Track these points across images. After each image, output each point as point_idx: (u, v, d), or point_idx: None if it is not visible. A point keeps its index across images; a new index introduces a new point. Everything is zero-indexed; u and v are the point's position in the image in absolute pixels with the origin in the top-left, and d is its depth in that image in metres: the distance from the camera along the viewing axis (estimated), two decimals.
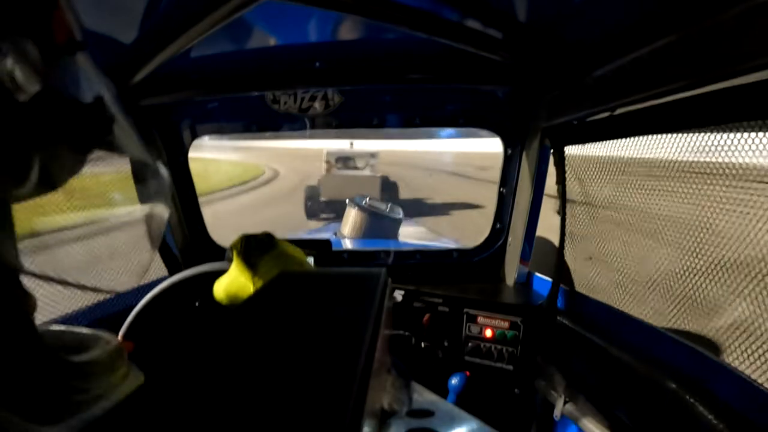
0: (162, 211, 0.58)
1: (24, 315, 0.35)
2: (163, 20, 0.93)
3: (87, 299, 1.25)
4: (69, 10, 0.37)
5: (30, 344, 0.34)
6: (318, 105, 1.49)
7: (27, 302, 0.36)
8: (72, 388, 0.35)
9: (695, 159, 0.81)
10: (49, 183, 0.36)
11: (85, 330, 0.44)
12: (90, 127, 0.38)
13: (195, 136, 1.62)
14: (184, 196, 1.65)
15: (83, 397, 0.35)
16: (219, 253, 1.78)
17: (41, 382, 0.33)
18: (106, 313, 1.27)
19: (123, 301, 1.32)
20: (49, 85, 0.33)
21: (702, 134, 0.78)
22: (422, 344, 1.46)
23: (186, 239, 1.69)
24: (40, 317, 0.37)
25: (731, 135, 0.72)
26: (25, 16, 0.32)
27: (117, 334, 0.96)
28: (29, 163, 0.33)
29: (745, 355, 0.76)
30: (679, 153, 0.85)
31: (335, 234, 3.37)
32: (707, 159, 0.78)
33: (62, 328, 0.44)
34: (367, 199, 3.38)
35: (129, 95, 1.19)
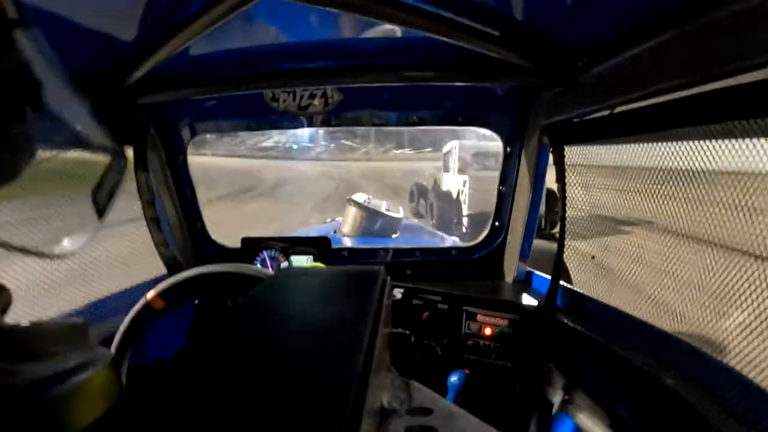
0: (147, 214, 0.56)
1: None
2: (162, 18, 0.93)
3: (85, 299, 1.25)
4: None
5: None
6: (317, 103, 1.49)
7: None
8: (12, 356, 0.33)
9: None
10: None
11: (63, 323, 0.43)
12: (11, 91, 0.37)
13: (194, 134, 1.62)
14: (184, 194, 1.65)
15: (26, 366, 0.34)
16: (219, 252, 1.78)
17: None
18: (106, 314, 1.27)
19: (122, 301, 1.32)
20: None
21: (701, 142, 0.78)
22: (422, 342, 1.46)
23: (185, 238, 1.69)
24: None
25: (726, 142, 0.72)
26: None
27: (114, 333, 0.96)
28: None
29: (743, 354, 0.77)
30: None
31: (335, 232, 3.37)
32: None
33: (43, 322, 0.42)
34: (368, 197, 3.38)
35: (127, 94, 1.19)
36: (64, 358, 0.37)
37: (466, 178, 8.43)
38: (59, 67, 0.43)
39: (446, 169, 9.41)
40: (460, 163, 8.67)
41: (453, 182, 8.91)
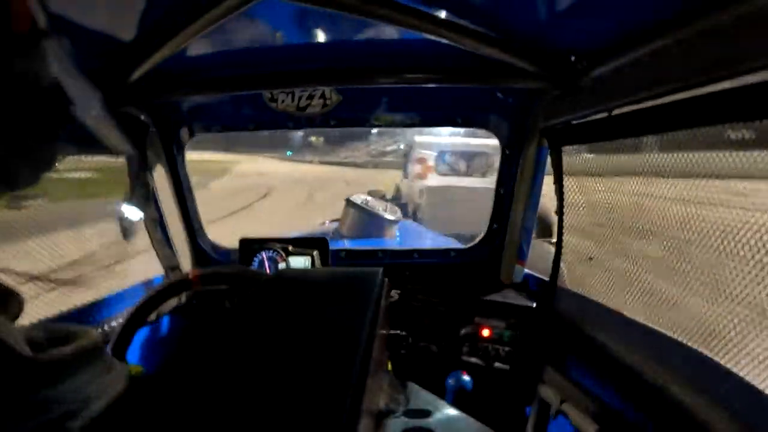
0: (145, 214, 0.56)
1: None
2: (161, 19, 0.93)
3: (85, 300, 1.25)
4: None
5: None
6: (316, 104, 1.49)
7: (6, 301, 0.35)
8: (36, 387, 0.33)
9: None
10: (7, 180, 0.35)
11: (68, 326, 0.42)
12: (46, 114, 0.37)
13: (192, 134, 1.62)
14: (182, 194, 1.64)
15: (50, 396, 0.34)
16: (217, 253, 1.78)
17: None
18: (105, 315, 1.27)
19: (121, 303, 1.32)
20: (7, 75, 0.32)
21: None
22: (420, 344, 1.46)
23: (184, 238, 1.68)
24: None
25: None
26: None
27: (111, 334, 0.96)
28: None
29: (741, 355, 0.77)
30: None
31: (333, 233, 3.37)
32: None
33: (45, 324, 0.42)
34: (366, 198, 3.37)
35: (126, 93, 1.18)
36: (86, 383, 0.36)
37: (423, 186, 6.86)
38: (79, 76, 0.43)
39: (405, 174, 7.83)
40: (419, 167, 7.00)
41: (410, 193, 7.31)
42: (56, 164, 0.40)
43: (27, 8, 0.35)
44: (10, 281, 0.36)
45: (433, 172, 6.77)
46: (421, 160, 6.82)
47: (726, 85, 0.64)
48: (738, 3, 0.59)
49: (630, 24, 0.81)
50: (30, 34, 0.35)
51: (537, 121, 1.32)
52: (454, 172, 6.81)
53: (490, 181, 6.19)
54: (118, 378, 0.40)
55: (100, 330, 1.21)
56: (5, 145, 0.33)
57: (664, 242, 0.95)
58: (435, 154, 6.75)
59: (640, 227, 1.02)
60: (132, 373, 0.80)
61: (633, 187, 1.01)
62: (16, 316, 0.36)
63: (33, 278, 1.00)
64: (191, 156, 1.65)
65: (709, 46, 0.64)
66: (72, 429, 0.33)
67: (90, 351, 0.39)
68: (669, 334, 0.93)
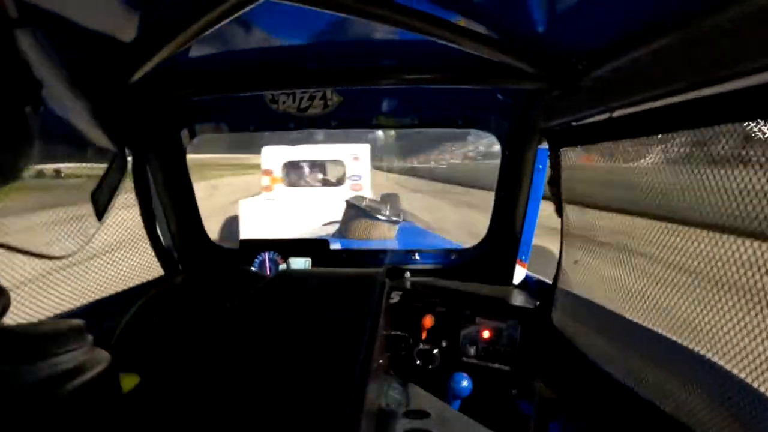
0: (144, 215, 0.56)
1: None
2: (162, 20, 0.93)
3: (84, 300, 1.25)
4: None
5: None
6: (317, 105, 1.50)
7: None
8: (18, 359, 0.34)
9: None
10: None
11: (56, 320, 0.43)
12: (12, 90, 0.37)
13: (193, 135, 1.62)
14: (182, 195, 1.64)
15: (29, 369, 0.34)
16: (217, 254, 1.78)
17: None
18: (104, 316, 1.27)
19: (121, 303, 1.32)
20: None
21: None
22: (420, 345, 1.46)
23: (183, 239, 1.68)
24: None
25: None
26: None
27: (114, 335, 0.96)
28: None
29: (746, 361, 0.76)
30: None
31: (333, 234, 3.37)
32: None
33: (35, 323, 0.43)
34: (367, 200, 3.38)
35: (127, 94, 1.19)
36: (63, 360, 0.37)
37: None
38: (61, 68, 0.43)
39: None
40: (265, 179, 6.07)
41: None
42: (36, 159, 0.41)
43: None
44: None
45: (280, 184, 6.13)
46: (267, 172, 6.12)
47: (727, 86, 0.64)
48: (738, 3, 0.59)
49: (630, 24, 0.81)
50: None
51: (537, 121, 1.32)
52: (306, 183, 6.34)
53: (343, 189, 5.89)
54: (97, 359, 0.41)
55: (98, 331, 1.21)
56: None
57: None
58: (281, 163, 6.11)
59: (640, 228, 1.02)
60: (129, 385, 0.81)
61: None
62: (3, 312, 0.37)
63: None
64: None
65: (710, 47, 0.64)
66: (53, 398, 0.34)
67: (68, 332, 0.39)
68: (669, 335, 0.93)
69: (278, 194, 6.00)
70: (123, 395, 0.81)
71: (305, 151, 6.16)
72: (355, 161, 6.04)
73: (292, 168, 6.33)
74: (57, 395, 0.34)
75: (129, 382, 0.89)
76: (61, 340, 0.38)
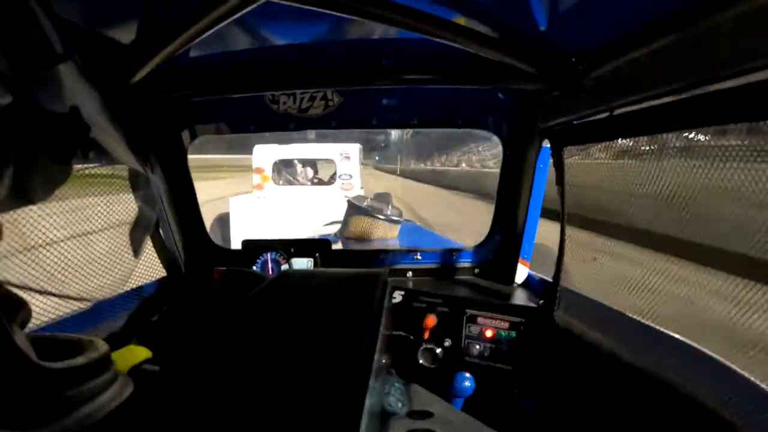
0: (147, 218, 0.58)
1: None
2: (162, 20, 0.93)
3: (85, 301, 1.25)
4: (48, 22, 0.36)
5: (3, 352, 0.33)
6: (317, 105, 1.50)
7: (16, 311, 0.36)
8: (48, 395, 0.34)
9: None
10: (23, 195, 0.36)
11: (78, 336, 0.43)
12: (63, 138, 0.38)
13: (194, 136, 1.63)
14: (184, 197, 1.65)
15: (61, 403, 0.35)
16: (219, 254, 1.78)
17: (14, 389, 0.32)
18: (108, 317, 1.27)
19: (124, 305, 1.32)
20: (23, 98, 0.32)
21: None
22: (422, 345, 1.46)
23: (185, 240, 1.69)
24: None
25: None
26: None
27: (122, 339, 0.96)
28: None
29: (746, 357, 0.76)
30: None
31: (335, 234, 3.38)
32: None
33: (55, 334, 0.43)
34: (368, 200, 3.38)
35: (127, 96, 1.19)
36: (97, 390, 0.38)
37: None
38: (95, 91, 0.44)
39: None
40: (256, 177, 6.04)
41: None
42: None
43: (43, 33, 0.35)
44: (19, 291, 0.37)
45: (270, 182, 6.11)
46: (258, 170, 6.12)
47: (727, 84, 0.63)
48: (737, 2, 0.58)
49: (630, 24, 0.81)
50: (44, 58, 0.36)
51: (537, 121, 1.32)
52: (296, 181, 6.33)
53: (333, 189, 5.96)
54: (123, 386, 0.41)
55: (104, 334, 1.22)
56: (23, 165, 0.34)
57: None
58: (272, 162, 6.12)
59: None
60: (141, 358, 0.82)
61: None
62: (25, 324, 0.37)
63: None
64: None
65: (710, 46, 0.64)
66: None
67: (99, 361, 0.40)
68: (673, 334, 0.93)
69: (269, 192, 6.03)
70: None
71: (296, 150, 6.19)
72: (345, 160, 6.08)
73: (284, 166, 6.38)
74: (93, 422, 0.35)
75: (139, 354, 0.90)
76: (90, 372, 0.39)
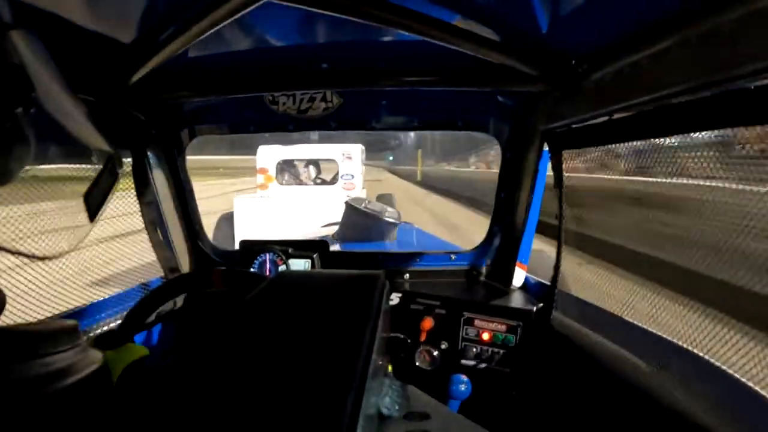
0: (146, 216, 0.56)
1: None
2: (162, 21, 0.93)
3: (83, 300, 1.25)
4: None
5: None
6: (317, 107, 1.50)
7: None
8: (10, 358, 0.34)
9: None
10: None
11: (52, 320, 0.44)
12: (6, 91, 0.37)
13: (193, 136, 1.62)
14: (182, 196, 1.64)
15: (23, 367, 0.35)
16: (217, 255, 1.78)
17: None
18: (105, 317, 1.26)
19: (121, 304, 1.32)
20: None
21: None
22: (420, 347, 1.45)
23: (184, 241, 1.68)
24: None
25: None
26: None
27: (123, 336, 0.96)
28: None
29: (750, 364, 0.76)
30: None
31: (333, 236, 3.38)
32: None
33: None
34: (366, 201, 3.38)
35: (127, 95, 1.18)
36: (56, 360, 0.37)
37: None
38: (54, 69, 0.43)
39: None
40: (261, 177, 6.13)
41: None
42: (30, 160, 0.41)
43: None
44: None
45: (274, 182, 6.18)
46: (262, 170, 6.19)
47: (729, 87, 0.63)
48: (739, 4, 0.58)
49: (630, 26, 0.81)
50: None
51: (537, 124, 1.32)
52: (300, 181, 6.38)
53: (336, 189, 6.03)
54: (91, 359, 0.41)
55: (98, 331, 1.21)
56: None
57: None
58: (276, 162, 6.16)
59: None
60: (138, 356, 0.81)
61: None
62: (0, 312, 0.37)
63: None
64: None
65: (711, 48, 0.64)
66: (44, 396, 0.34)
67: (60, 331, 0.39)
68: (670, 338, 0.93)
69: (273, 192, 6.09)
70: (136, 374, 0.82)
71: (299, 151, 6.23)
72: (347, 160, 6.11)
73: (287, 166, 6.41)
74: (48, 393, 0.34)
75: (136, 352, 0.89)
76: (53, 339, 0.38)
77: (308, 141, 6.58)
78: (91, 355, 0.41)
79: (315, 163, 6.64)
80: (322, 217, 4.70)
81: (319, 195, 5.89)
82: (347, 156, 6.07)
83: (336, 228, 3.51)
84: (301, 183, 6.46)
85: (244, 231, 5.18)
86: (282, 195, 5.98)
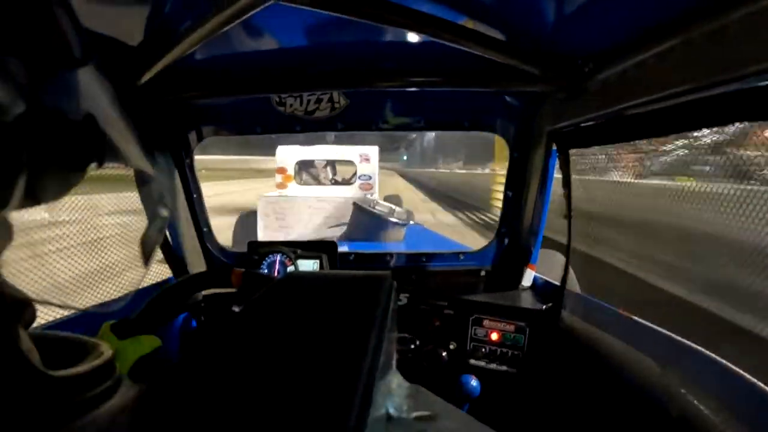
0: (160, 223, 0.56)
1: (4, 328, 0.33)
2: (169, 22, 0.94)
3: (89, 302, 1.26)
4: (69, 25, 0.35)
5: (7, 358, 0.32)
6: (324, 107, 1.50)
7: (21, 311, 0.36)
8: (51, 403, 0.34)
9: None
10: (36, 198, 0.35)
11: (83, 337, 0.43)
12: (78, 145, 0.37)
13: (200, 137, 1.63)
14: (190, 198, 1.66)
15: (63, 412, 0.35)
16: (225, 256, 1.79)
17: (15, 396, 0.32)
18: (113, 318, 1.27)
19: (130, 306, 1.32)
20: (38, 103, 0.32)
21: None
22: (428, 347, 1.45)
23: (191, 242, 1.69)
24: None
25: None
26: (12, 32, 0.30)
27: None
28: (12, 187, 0.31)
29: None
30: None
31: (341, 236, 3.38)
32: None
33: (59, 333, 0.43)
34: (374, 202, 3.39)
35: (134, 97, 1.19)
36: (98, 400, 0.37)
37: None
38: (113, 96, 0.43)
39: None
40: (279, 177, 6.24)
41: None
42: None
43: (62, 35, 0.35)
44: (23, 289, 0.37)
45: (293, 182, 6.33)
46: (281, 170, 6.36)
47: (734, 86, 0.63)
48: (745, 4, 0.58)
49: (636, 26, 0.81)
50: (62, 62, 0.35)
51: (544, 124, 1.32)
52: (318, 181, 6.51)
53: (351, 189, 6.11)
54: (126, 392, 0.41)
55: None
56: (37, 171, 0.33)
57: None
58: (294, 162, 6.31)
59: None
60: (150, 349, 0.82)
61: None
62: (30, 324, 0.37)
63: None
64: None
65: (717, 48, 0.64)
66: None
67: (102, 368, 0.39)
68: (680, 338, 0.92)
69: (292, 191, 6.16)
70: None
71: (317, 151, 6.32)
72: (365, 162, 6.18)
73: (305, 167, 6.52)
74: None
75: (149, 343, 0.90)
76: (94, 379, 0.38)
77: (324, 142, 6.61)
78: (127, 387, 0.42)
79: (332, 163, 6.74)
80: (339, 221, 4.83)
81: (338, 194, 5.95)
82: (365, 158, 6.15)
83: (344, 228, 3.52)
84: (319, 183, 6.55)
85: (266, 230, 5.26)
86: (302, 194, 6.03)
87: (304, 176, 6.51)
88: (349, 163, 6.31)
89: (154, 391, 0.39)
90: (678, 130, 0.82)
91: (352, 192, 5.99)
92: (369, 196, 5.60)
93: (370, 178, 6.17)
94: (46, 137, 0.34)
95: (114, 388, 0.40)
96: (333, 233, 3.78)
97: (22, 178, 0.31)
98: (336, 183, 6.67)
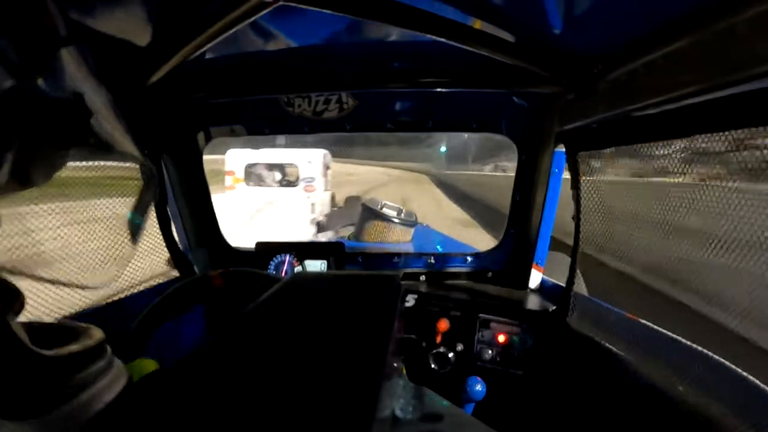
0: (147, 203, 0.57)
1: None
2: (178, 23, 0.94)
3: (98, 301, 1.27)
4: (54, 6, 0.36)
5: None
6: (333, 108, 1.50)
7: (12, 300, 0.36)
8: (44, 383, 0.34)
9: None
10: (23, 180, 0.36)
11: (73, 323, 0.44)
12: (64, 124, 0.38)
13: (209, 138, 1.64)
14: (198, 197, 1.67)
15: (56, 391, 0.35)
16: (232, 256, 1.79)
17: (9, 376, 0.32)
18: (118, 316, 1.29)
19: (135, 303, 1.34)
20: (26, 82, 0.33)
21: None
22: (435, 349, 1.45)
23: (199, 241, 1.70)
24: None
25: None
26: (4, 15, 0.31)
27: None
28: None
29: None
30: None
31: (349, 237, 3.39)
32: None
33: (49, 322, 0.44)
34: (382, 203, 3.38)
35: (144, 96, 1.20)
36: (91, 380, 0.38)
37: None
38: (102, 84, 0.44)
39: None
40: (228, 179, 7.01)
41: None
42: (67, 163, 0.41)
43: (50, 18, 0.35)
44: (11, 279, 0.37)
45: (242, 183, 6.86)
46: (230, 173, 6.87)
47: (744, 87, 0.62)
48: (756, 3, 0.57)
49: (645, 26, 0.80)
50: (50, 43, 0.36)
51: (553, 125, 1.31)
52: (265, 183, 6.96)
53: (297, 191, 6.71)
54: (118, 376, 0.42)
55: (111, 331, 1.23)
56: (24, 150, 0.34)
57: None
58: (243, 165, 6.82)
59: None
60: (148, 370, 0.82)
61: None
62: (19, 312, 0.38)
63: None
64: None
65: (726, 48, 0.63)
66: (78, 423, 0.35)
67: (94, 349, 0.40)
68: (687, 341, 0.91)
69: (240, 193, 6.76)
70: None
71: (266, 155, 6.88)
72: (308, 165, 6.81)
73: (253, 170, 7.03)
74: (86, 414, 0.35)
75: (146, 366, 0.91)
76: (84, 360, 0.39)
77: (272, 145, 7.23)
78: (119, 369, 0.42)
79: (280, 166, 7.23)
80: (285, 214, 5.65)
81: (283, 195, 6.65)
82: (309, 161, 6.78)
83: (351, 229, 3.52)
84: (266, 185, 7.08)
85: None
86: (249, 195, 6.69)
87: (253, 178, 7.01)
88: (293, 166, 6.88)
89: (159, 389, 0.39)
90: (689, 132, 0.81)
91: (295, 193, 6.61)
92: (311, 196, 6.44)
93: (314, 179, 6.78)
94: (34, 117, 0.35)
95: (107, 368, 0.40)
96: (341, 234, 3.78)
97: (9, 159, 0.32)
98: (282, 185, 7.16)
